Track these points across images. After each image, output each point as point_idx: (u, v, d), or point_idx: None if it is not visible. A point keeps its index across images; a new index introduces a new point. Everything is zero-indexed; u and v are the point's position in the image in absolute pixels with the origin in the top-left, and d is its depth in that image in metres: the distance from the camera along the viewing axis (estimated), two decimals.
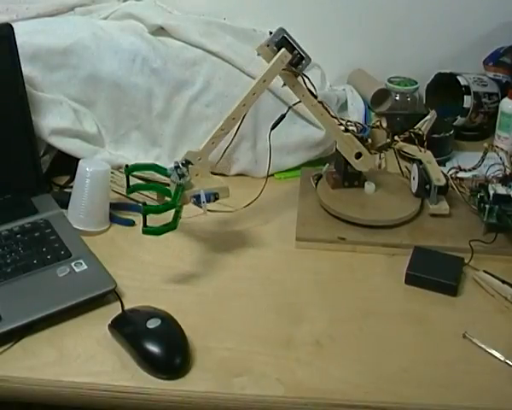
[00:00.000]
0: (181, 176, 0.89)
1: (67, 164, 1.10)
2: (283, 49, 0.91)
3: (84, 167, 0.99)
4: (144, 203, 0.87)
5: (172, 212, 0.89)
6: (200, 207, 0.90)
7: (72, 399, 0.75)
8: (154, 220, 0.88)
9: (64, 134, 1.10)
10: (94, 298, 0.85)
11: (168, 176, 0.92)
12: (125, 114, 1.15)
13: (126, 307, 0.84)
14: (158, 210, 0.89)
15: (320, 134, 1.15)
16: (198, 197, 0.90)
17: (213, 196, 0.91)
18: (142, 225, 0.87)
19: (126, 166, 0.97)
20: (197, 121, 1.15)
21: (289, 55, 0.91)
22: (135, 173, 1.12)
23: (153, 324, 0.78)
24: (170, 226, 0.88)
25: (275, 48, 0.92)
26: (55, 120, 1.10)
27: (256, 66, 1.14)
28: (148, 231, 0.87)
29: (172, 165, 0.91)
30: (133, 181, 1.03)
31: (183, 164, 0.90)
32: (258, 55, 0.93)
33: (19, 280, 0.87)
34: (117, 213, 1.04)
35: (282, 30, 0.92)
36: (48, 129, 1.09)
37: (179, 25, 1.18)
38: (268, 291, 0.90)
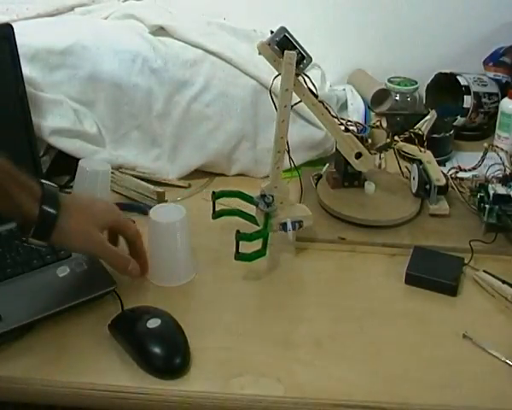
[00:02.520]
0: (268, 204, 0.93)
1: (67, 164, 1.10)
2: (286, 52, 0.91)
3: (84, 167, 0.99)
4: (238, 231, 0.89)
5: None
6: (286, 233, 0.94)
7: (73, 399, 0.75)
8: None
9: (64, 134, 1.10)
10: (94, 298, 0.85)
11: (255, 204, 0.95)
12: (125, 114, 1.15)
13: (126, 307, 0.84)
14: (251, 238, 0.91)
15: (320, 134, 1.15)
16: (284, 225, 0.94)
17: (298, 224, 0.94)
18: (234, 251, 0.89)
19: (213, 192, 0.98)
20: (197, 121, 1.15)
21: (294, 55, 0.91)
22: (134, 173, 1.12)
23: (153, 324, 0.78)
24: (260, 253, 0.91)
25: (276, 47, 0.92)
26: (55, 120, 1.10)
27: (256, 66, 1.14)
28: (240, 257, 0.90)
29: (259, 194, 0.94)
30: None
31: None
32: (260, 54, 0.93)
33: (19, 280, 0.87)
34: None
35: (283, 29, 0.92)
36: (48, 129, 1.09)
37: (179, 25, 1.18)
38: (268, 291, 0.90)
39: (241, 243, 0.89)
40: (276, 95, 0.92)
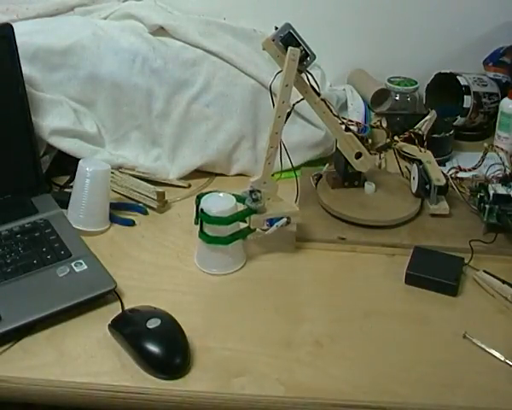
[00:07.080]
0: (255, 200, 0.93)
1: (67, 164, 1.10)
2: (290, 48, 0.90)
3: (84, 167, 0.99)
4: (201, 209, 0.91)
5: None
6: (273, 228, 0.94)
7: (72, 399, 0.75)
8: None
9: (64, 134, 1.10)
10: (94, 298, 0.85)
11: (242, 200, 0.95)
12: (125, 114, 1.15)
13: (126, 307, 0.84)
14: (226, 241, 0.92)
15: (320, 134, 1.15)
16: (271, 221, 0.94)
17: (286, 221, 0.94)
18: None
19: (197, 196, 0.96)
20: (197, 121, 1.15)
21: (298, 51, 0.91)
22: (134, 173, 1.12)
23: (153, 324, 0.78)
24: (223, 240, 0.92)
25: (280, 43, 0.91)
26: (55, 121, 1.10)
27: (256, 66, 1.14)
28: (201, 236, 0.92)
29: (247, 189, 0.94)
30: None
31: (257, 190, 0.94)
32: (264, 49, 0.93)
33: (19, 280, 0.87)
34: (117, 213, 1.04)
35: (288, 25, 0.92)
36: (48, 129, 1.09)
37: (179, 25, 1.18)
38: (268, 291, 0.90)
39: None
40: (275, 93, 0.92)
